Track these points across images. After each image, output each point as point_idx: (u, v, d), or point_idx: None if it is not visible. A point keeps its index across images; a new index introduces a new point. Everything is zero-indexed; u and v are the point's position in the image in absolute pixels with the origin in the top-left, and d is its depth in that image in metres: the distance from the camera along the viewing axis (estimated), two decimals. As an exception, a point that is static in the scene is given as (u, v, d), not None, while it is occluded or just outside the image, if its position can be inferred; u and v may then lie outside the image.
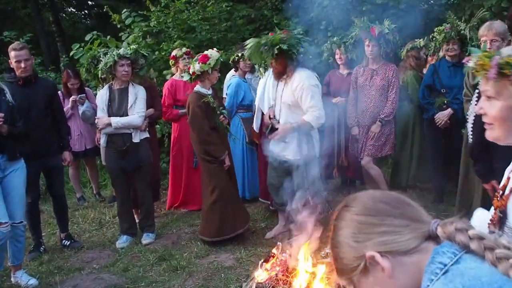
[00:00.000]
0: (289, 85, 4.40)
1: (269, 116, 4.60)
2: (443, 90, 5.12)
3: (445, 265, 1.03)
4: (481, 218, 1.45)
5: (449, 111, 5.07)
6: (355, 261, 1.12)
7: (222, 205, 4.66)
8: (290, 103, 4.44)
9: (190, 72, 4.63)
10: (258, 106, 4.87)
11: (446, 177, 5.62)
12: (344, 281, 1.18)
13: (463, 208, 4.45)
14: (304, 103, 4.35)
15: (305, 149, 4.44)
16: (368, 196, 1.18)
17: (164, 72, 6.73)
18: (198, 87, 4.72)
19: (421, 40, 5.81)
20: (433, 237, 1.09)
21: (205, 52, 4.67)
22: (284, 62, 4.39)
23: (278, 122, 4.51)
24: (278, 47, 4.27)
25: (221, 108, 4.78)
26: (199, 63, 4.58)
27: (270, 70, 4.61)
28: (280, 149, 4.53)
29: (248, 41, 4.51)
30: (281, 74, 4.45)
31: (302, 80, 4.34)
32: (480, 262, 1.02)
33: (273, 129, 4.53)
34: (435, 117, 5.15)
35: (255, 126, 5.02)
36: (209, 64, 4.56)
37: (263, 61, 4.62)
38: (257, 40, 4.44)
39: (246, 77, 5.91)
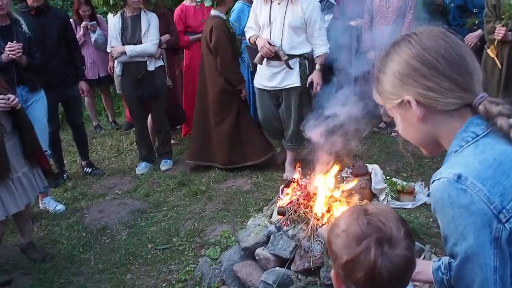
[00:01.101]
0: (297, 4, 4.09)
1: (269, 43, 4.17)
2: (475, 10, 4.95)
3: (477, 136, 1.10)
4: None
5: (479, 32, 4.91)
6: (393, 95, 1.19)
7: (235, 135, 4.74)
8: (298, 25, 4.14)
9: None
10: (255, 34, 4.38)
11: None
12: (379, 100, 1.26)
13: None
14: (314, 27, 4.15)
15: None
16: (433, 43, 1.14)
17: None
18: (217, 12, 4.59)
19: None
20: (472, 107, 1.13)
21: None
22: None
23: (281, 49, 4.16)
24: None
25: (237, 35, 4.70)
26: None
27: None
28: (281, 78, 4.28)
29: None
30: None
31: (313, 0, 4.16)
32: (508, 143, 1.09)
33: (278, 59, 4.20)
34: (464, 38, 5.01)
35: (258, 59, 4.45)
36: None
37: None
38: None
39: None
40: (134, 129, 5.45)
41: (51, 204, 4.35)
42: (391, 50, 1.19)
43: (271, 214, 3.11)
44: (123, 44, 4.73)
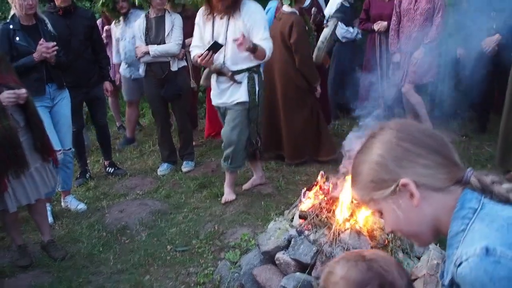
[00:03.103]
0: (239, 19, 3.83)
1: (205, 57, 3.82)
2: (493, 13, 4.83)
3: (476, 210, 1.06)
4: None
5: (496, 36, 4.81)
6: (383, 183, 1.12)
7: (307, 132, 4.83)
8: None
9: None
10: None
11: (490, 105, 5.46)
12: (359, 196, 1.19)
13: (507, 138, 4.34)
14: (257, 35, 3.84)
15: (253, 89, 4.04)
16: (414, 127, 1.15)
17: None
18: (293, 9, 4.57)
19: None
20: (462, 183, 1.10)
21: None
22: None
23: (224, 65, 3.91)
24: None
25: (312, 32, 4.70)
26: None
27: (201, 10, 4.05)
28: (229, 94, 4.01)
29: None
30: (230, 8, 3.81)
31: (253, 12, 3.87)
32: (502, 205, 1.06)
33: (221, 74, 3.97)
34: (482, 43, 4.90)
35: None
36: None
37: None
38: None
39: None
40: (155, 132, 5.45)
41: (73, 203, 4.38)
42: (368, 142, 1.16)
43: (292, 218, 3.04)
44: (147, 44, 4.75)
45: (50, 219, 4.07)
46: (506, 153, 4.36)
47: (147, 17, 4.83)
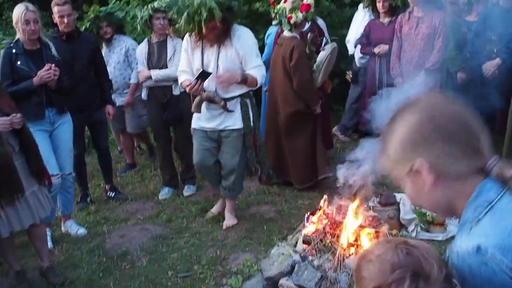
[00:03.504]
0: (231, 47, 3.78)
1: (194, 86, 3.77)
2: (494, 37, 4.87)
3: (491, 202, 1.05)
4: None
5: (497, 60, 4.84)
6: (401, 161, 1.13)
7: (308, 154, 4.81)
8: (234, 67, 3.83)
9: (292, 22, 4.52)
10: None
11: (492, 127, 5.47)
12: (383, 167, 1.20)
13: (510, 160, 4.32)
14: (250, 63, 3.82)
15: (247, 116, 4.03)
16: (442, 109, 1.10)
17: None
18: (294, 34, 4.62)
19: None
20: (484, 172, 1.08)
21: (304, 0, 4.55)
22: (226, 22, 3.72)
23: (216, 94, 3.85)
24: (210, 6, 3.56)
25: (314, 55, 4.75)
26: (301, 12, 4.48)
27: (187, 38, 3.92)
28: (222, 120, 3.95)
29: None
30: (221, 37, 3.76)
31: (245, 38, 3.84)
32: None
33: (212, 102, 3.89)
34: (482, 67, 4.93)
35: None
36: (311, 12, 4.50)
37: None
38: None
39: None
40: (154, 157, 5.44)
41: (73, 228, 4.33)
42: (396, 117, 1.15)
43: (296, 243, 3.01)
44: (149, 69, 4.77)
45: (49, 244, 4.02)
46: None
47: (149, 41, 4.87)
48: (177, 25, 4.86)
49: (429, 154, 1.08)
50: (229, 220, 4.26)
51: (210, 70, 3.80)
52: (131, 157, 6.03)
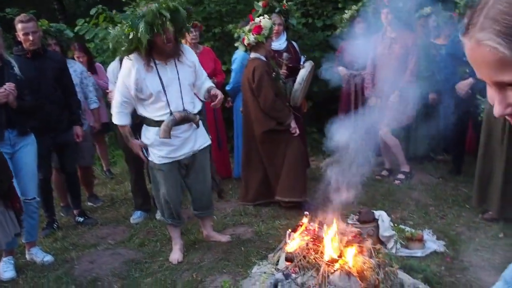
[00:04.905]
0: (184, 61, 3.67)
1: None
2: (465, 58, 4.95)
3: None
4: None
5: (470, 80, 4.92)
6: None
7: (290, 170, 4.73)
8: (192, 80, 3.75)
9: (245, 44, 4.61)
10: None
11: (463, 147, 5.54)
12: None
13: (483, 178, 4.35)
14: (201, 75, 3.82)
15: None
16: None
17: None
18: (257, 54, 4.66)
19: (428, 7, 5.67)
20: None
21: (257, 22, 4.61)
22: (179, 32, 3.61)
23: (188, 111, 3.65)
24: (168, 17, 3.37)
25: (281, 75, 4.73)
26: (253, 34, 4.53)
27: (135, 61, 3.55)
28: (193, 141, 3.77)
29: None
30: (177, 50, 3.61)
31: (190, 52, 3.79)
32: None
33: (188, 121, 3.69)
34: (455, 86, 5.01)
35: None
36: (263, 34, 4.52)
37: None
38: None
39: None
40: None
41: (38, 255, 4.07)
42: None
43: (278, 261, 2.89)
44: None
45: (13, 273, 3.77)
46: (482, 193, 4.37)
47: (121, 61, 4.73)
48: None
49: None
50: (223, 237, 4.21)
51: (173, 88, 3.60)
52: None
